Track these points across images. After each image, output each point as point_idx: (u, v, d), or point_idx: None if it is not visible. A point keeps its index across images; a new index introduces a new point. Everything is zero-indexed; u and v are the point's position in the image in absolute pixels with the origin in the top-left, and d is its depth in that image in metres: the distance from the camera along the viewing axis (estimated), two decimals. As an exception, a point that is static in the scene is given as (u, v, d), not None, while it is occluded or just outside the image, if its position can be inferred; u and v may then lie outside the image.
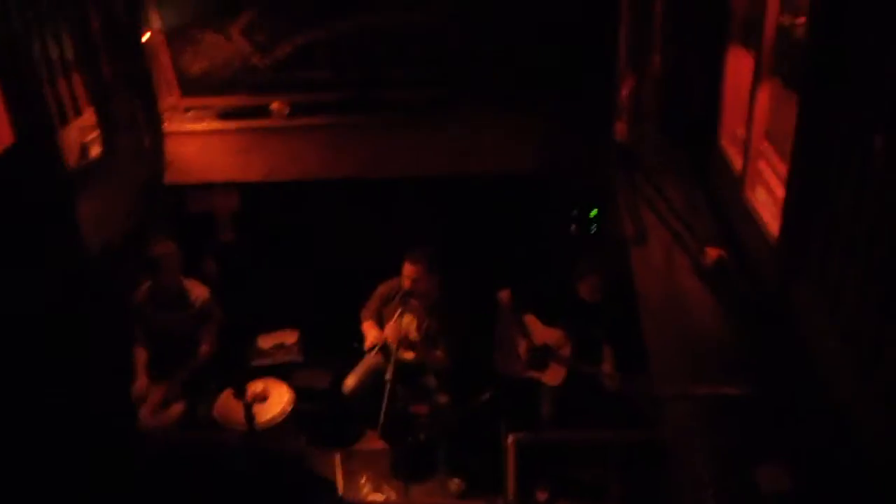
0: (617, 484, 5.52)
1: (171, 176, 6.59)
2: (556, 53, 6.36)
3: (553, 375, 5.70)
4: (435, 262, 5.77)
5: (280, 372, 6.26)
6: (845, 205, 3.06)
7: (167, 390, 5.61)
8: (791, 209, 3.60)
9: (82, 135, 5.74)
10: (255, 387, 5.65)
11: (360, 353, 6.04)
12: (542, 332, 5.73)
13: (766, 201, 4.22)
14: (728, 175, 4.76)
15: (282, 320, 6.95)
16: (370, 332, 5.91)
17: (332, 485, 5.92)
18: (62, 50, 5.55)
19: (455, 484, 5.97)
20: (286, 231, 7.23)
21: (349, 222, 7.03)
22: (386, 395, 5.39)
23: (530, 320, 5.78)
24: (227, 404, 5.51)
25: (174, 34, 6.61)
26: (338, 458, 6.09)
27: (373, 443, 6.20)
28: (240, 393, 4.89)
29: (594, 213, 7.05)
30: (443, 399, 5.87)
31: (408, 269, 5.71)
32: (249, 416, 4.94)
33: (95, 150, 5.81)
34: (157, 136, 6.57)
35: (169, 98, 6.82)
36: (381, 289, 6.06)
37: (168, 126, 6.68)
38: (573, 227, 7.14)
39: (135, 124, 6.30)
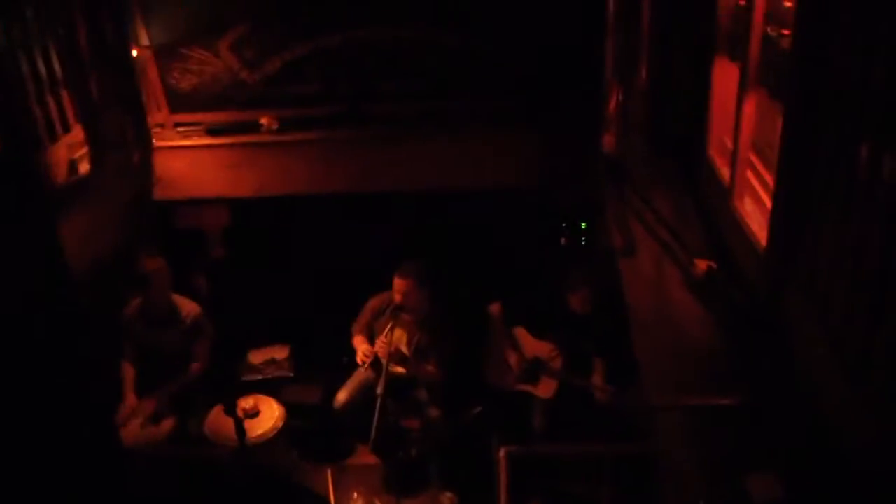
0: (609, 496, 5.51)
1: (160, 192, 6.59)
2: (544, 66, 6.39)
3: (544, 388, 5.70)
4: (425, 276, 5.76)
5: (271, 387, 6.24)
6: (832, 214, 3.08)
7: (157, 406, 5.58)
8: (778, 219, 3.62)
9: (71, 151, 5.74)
10: (246, 402, 5.64)
11: (351, 368, 6.03)
12: (533, 345, 5.73)
13: (754, 211, 4.24)
14: (716, 185, 4.78)
15: (272, 336, 6.94)
16: (361, 347, 5.90)
17: (324, 500, 5.90)
18: (50, 67, 5.56)
19: (447, 498, 5.95)
20: (276, 246, 7.22)
21: (339, 237, 7.03)
22: (377, 409, 5.38)
23: (521, 333, 5.78)
24: (217, 420, 5.49)
25: (162, 51, 6.63)
26: (329, 473, 6.07)
27: (364, 457, 6.17)
28: (230, 408, 4.87)
29: (583, 225, 7.06)
30: (434, 413, 5.86)
31: (398, 284, 5.71)
32: (240, 432, 4.92)
33: (84, 167, 5.81)
34: (147, 152, 6.57)
35: (158, 114, 6.83)
36: (372, 303, 6.05)
37: (157, 142, 6.69)
38: (562, 239, 7.15)
39: (124, 141, 6.30)
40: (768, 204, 3.86)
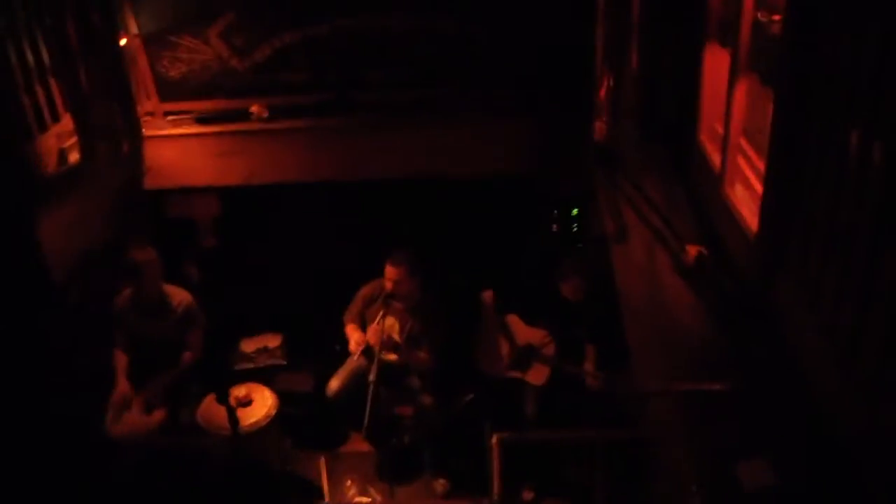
0: (602, 482, 5.53)
1: (150, 181, 6.56)
2: (534, 54, 6.37)
3: (537, 375, 5.71)
4: (416, 264, 5.77)
5: (263, 375, 6.25)
6: (823, 200, 3.08)
7: (150, 395, 5.58)
8: (769, 205, 3.62)
9: (60, 141, 5.71)
10: (239, 391, 5.64)
11: (343, 356, 6.03)
12: (525, 332, 5.74)
13: (746, 197, 4.25)
14: (707, 172, 4.78)
15: (264, 324, 6.93)
16: (353, 335, 5.90)
17: (318, 488, 5.91)
18: (39, 56, 5.52)
19: (440, 485, 5.97)
20: (267, 235, 7.21)
21: (330, 225, 7.02)
22: (370, 397, 5.38)
23: (513, 320, 5.79)
24: (210, 408, 5.49)
25: (151, 39, 6.59)
26: (323, 460, 6.08)
27: (357, 445, 6.19)
28: (223, 397, 4.87)
29: (575, 212, 7.06)
30: (427, 400, 5.87)
31: (389, 272, 5.71)
32: (233, 420, 4.92)
33: (74, 157, 5.78)
34: (136, 141, 6.54)
35: (147, 103, 6.79)
36: (364, 291, 6.06)
37: (147, 131, 6.66)
38: (554, 226, 7.15)
39: (113, 130, 6.26)
40: (759, 190, 3.86)
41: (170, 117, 6.81)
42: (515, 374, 5.77)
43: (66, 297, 4.87)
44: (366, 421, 5.38)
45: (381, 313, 5.70)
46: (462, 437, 5.90)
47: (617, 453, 5.03)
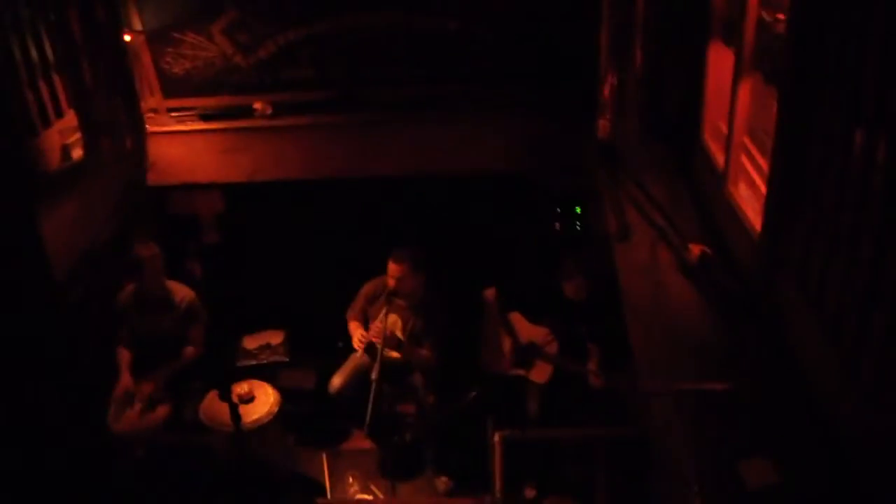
0: (603, 480, 5.53)
1: (153, 177, 6.56)
2: (539, 52, 6.37)
3: (539, 373, 5.70)
4: (419, 261, 5.76)
5: (266, 372, 6.24)
6: (827, 200, 3.08)
7: (153, 391, 5.58)
8: (773, 204, 3.62)
9: (64, 137, 5.72)
10: (241, 388, 5.64)
11: (345, 353, 6.03)
12: (528, 330, 5.73)
13: (749, 196, 4.24)
14: (711, 171, 4.78)
15: (267, 321, 6.93)
16: (356, 332, 5.90)
17: (320, 485, 5.91)
18: (42, 52, 5.53)
19: (442, 482, 5.97)
20: (270, 231, 7.21)
21: (333, 222, 7.02)
22: (372, 394, 5.37)
23: (516, 318, 5.78)
24: (212, 405, 5.49)
25: (155, 35, 6.60)
26: (324, 457, 6.08)
27: (359, 442, 6.19)
28: (225, 394, 4.87)
29: (578, 210, 7.05)
30: (429, 398, 5.87)
31: (392, 269, 5.70)
32: (235, 417, 4.92)
33: (77, 153, 5.79)
34: (140, 137, 6.54)
35: (151, 99, 6.80)
36: (366, 288, 6.05)
37: (150, 127, 6.66)
38: (557, 224, 7.15)
39: (117, 126, 6.27)
40: (763, 189, 3.86)
41: (173, 114, 6.81)
42: (518, 372, 5.76)
43: (67, 294, 4.87)
44: (368, 418, 5.38)
45: (383, 310, 5.69)
46: (464, 434, 5.89)
47: (619, 451, 5.03)
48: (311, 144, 6.60)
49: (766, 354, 3.55)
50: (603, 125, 5.91)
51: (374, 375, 5.44)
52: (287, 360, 6.67)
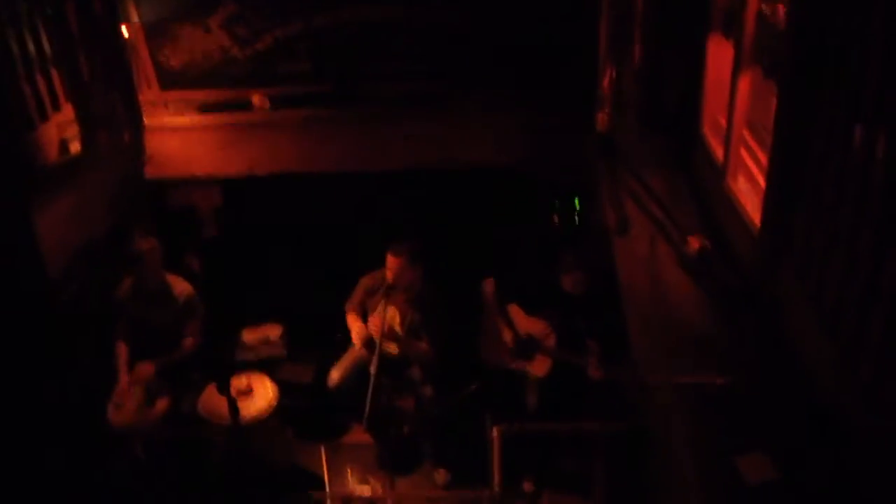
0: (602, 474, 5.53)
1: (151, 171, 6.55)
2: (538, 45, 6.35)
3: (538, 366, 5.70)
4: (418, 255, 5.75)
5: (264, 366, 6.24)
6: (826, 194, 3.07)
7: (150, 377, 5.57)
8: (772, 198, 3.61)
9: (62, 130, 5.71)
10: (240, 381, 5.64)
11: (344, 347, 6.03)
12: (527, 323, 5.73)
13: (748, 190, 4.24)
14: (710, 164, 4.77)
15: (265, 315, 6.93)
16: (354, 326, 5.90)
17: (318, 478, 5.91)
18: (39, 45, 5.51)
19: (441, 475, 5.97)
20: (269, 225, 7.20)
21: (331, 215, 7.01)
22: (371, 387, 5.37)
23: (514, 311, 5.78)
24: (211, 399, 5.49)
25: (153, 28, 6.58)
26: (323, 451, 6.08)
27: (358, 436, 6.19)
28: (224, 387, 4.87)
29: (576, 203, 7.05)
30: (428, 391, 5.87)
31: (391, 262, 5.69)
32: (234, 411, 4.92)
33: (75, 146, 5.78)
34: (138, 131, 6.54)
35: (148, 92, 6.78)
36: (365, 281, 6.04)
37: (148, 121, 6.65)
38: (555, 218, 7.14)
39: (114, 119, 6.26)
40: (762, 183, 3.85)
41: (171, 107, 6.80)
42: (517, 366, 5.76)
43: (64, 289, 4.87)
44: (366, 412, 5.38)
45: (382, 304, 5.69)
46: (463, 428, 5.90)
47: (618, 445, 5.04)
48: (310, 138, 6.59)
49: (765, 348, 3.55)
50: (602, 118, 5.90)
51: (372, 369, 5.43)
52: (286, 353, 6.68)
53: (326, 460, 5.99)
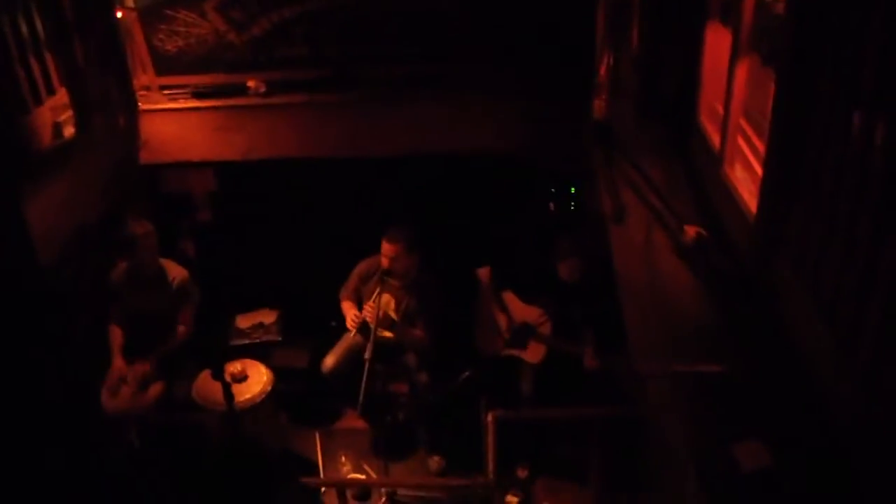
0: (597, 461, 5.54)
1: (146, 156, 6.52)
2: (534, 31, 6.33)
3: (533, 353, 5.71)
4: (413, 241, 5.75)
5: (259, 351, 6.24)
6: (824, 183, 3.06)
7: (146, 371, 5.57)
8: (769, 187, 3.60)
9: (56, 114, 5.68)
10: (234, 367, 5.64)
11: (338, 333, 6.02)
12: (522, 310, 5.73)
13: (745, 178, 4.23)
14: (707, 152, 4.76)
15: (260, 300, 6.92)
16: (349, 312, 5.90)
17: (312, 464, 5.92)
18: (33, 28, 5.47)
19: (435, 462, 5.99)
20: (264, 210, 7.18)
21: (327, 201, 7.00)
22: (365, 374, 5.38)
23: (510, 298, 5.78)
24: (205, 384, 5.49)
25: (147, 12, 6.53)
26: (317, 437, 6.09)
27: (352, 422, 6.20)
28: (218, 373, 4.87)
29: (573, 190, 7.04)
30: (422, 378, 5.87)
31: (386, 248, 5.69)
32: (228, 396, 4.92)
33: (69, 130, 5.75)
34: (132, 115, 6.51)
35: (143, 77, 6.74)
36: (360, 268, 6.04)
37: (143, 105, 6.62)
38: (551, 205, 7.13)
39: (109, 103, 6.23)
40: (759, 171, 3.84)
41: (166, 91, 6.77)
42: (512, 352, 5.77)
43: (58, 273, 4.85)
44: (361, 398, 5.39)
45: (377, 290, 5.69)
46: (457, 414, 5.91)
47: (613, 432, 5.05)
48: (305, 123, 6.56)
49: (762, 336, 3.55)
50: (599, 105, 5.89)
51: (367, 355, 5.43)
52: (280, 339, 6.68)
53: (321, 446, 6.01)
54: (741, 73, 4.24)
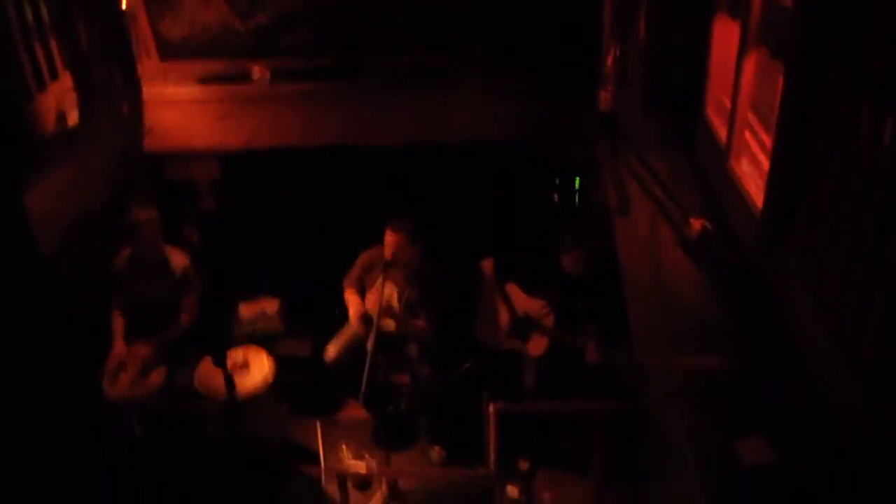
0: (598, 454, 5.54)
1: (150, 143, 6.51)
2: (542, 22, 6.30)
3: (535, 345, 5.69)
4: (416, 231, 5.73)
5: (261, 340, 6.23)
6: (830, 176, 3.04)
7: (147, 358, 5.56)
8: (775, 181, 3.59)
9: (60, 100, 5.66)
10: (236, 355, 5.63)
11: (341, 322, 6.01)
12: (525, 302, 5.72)
13: (752, 173, 4.21)
14: (713, 145, 4.74)
15: (263, 289, 6.91)
16: (352, 302, 5.88)
17: (313, 454, 5.91)
18: (38, 13, 5.46)
19: (436, 453, 5.98)
20: (267, 198, 7.16)
21: (330, 190, 6.98)
22: (367, 364, 5.36)
23: (512, 290, 5.76)
24: (207, 373, 5.48)
25: (153, -3, 6.53)
26: (319, 426, 6.07)
27: (354, 412, 6.19)
28: (220, 361, 4.85)
29: (577, 182, 7.02)
30: (424, 368, 5.86)
31: (389, 238, 5.67)
32: (230, 385, 4.91)
33: (73, 116, 5.74)
34: (136, 102, 6.49)
35: (148, 63, 6.73)
36: (363, 258, 6.02)
37: (147, 92, 6.60)
38: (556, 196, 7.11)
39: (113, 90, 6.22)
40: (766, 166, 3.82)
41: (170, 78, 6.75)
42: (514, 344, 5.75)
43: (59, 260, 4.85)
44: (363, 388, 5.37)
45: (380, 280, 5.67)
46: (459, 405, 5.90)
47: (615, 425, 5.03)
48: (309, 111, 6.55)
49: (765, 331, 3.53)
50: (605, 97, 5.87)
51: (369, 345, 5.42)
52: (282, 328, 6.67)
53: (322, 436, 5.99)
54: (749, 66, 4.22)
